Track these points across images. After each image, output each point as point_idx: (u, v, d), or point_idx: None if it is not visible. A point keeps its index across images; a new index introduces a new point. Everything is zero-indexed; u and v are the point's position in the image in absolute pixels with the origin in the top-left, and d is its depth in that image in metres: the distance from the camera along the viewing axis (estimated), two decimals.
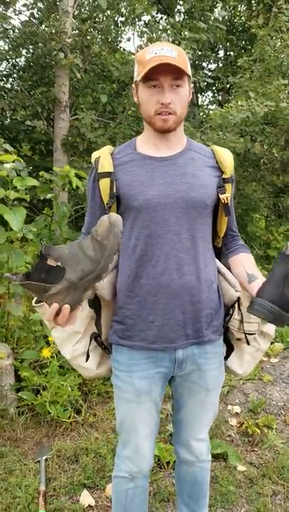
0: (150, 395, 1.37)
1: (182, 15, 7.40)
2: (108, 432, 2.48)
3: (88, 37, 4.92)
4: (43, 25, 5.21)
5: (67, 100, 4.86)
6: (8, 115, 5.69)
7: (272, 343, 3.64)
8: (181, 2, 7.26)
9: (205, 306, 1.34)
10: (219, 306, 1.41)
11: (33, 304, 1.20)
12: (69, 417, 2.52)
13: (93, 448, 2.32)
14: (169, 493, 2.04)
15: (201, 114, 7.00)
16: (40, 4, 5.46)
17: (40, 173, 3.20)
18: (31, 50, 5.53)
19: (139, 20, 6.48)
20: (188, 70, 1.27)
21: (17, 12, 5.19)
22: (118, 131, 4.93)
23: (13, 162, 2.58)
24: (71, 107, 5.08)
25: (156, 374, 1.36)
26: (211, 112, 5.91)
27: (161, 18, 7.37)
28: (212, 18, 5.13)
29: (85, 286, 1.15)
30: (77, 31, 4.89)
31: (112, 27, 6.07)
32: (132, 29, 6.40)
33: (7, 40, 5.62)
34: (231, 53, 7.92)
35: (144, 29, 6.81)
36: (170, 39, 4.94)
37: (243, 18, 7.65)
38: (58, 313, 1.15)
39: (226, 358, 1.52)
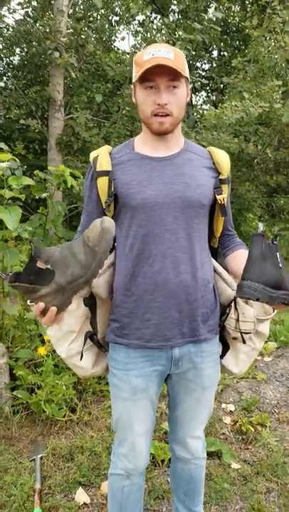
0: (146, 393, 1.38)
1: (176, 15, 7.42)
2: (103, 431, 2.49)
3: (83, 36, 4.92)
4: (38, 24, 5.20)
5: (62, 99, 4.86)
6: (2, 114, 5.67)
7: (265, 342, 3.67)
8: (175, 2, 7.28)
9: (201, 305, 1.35)
10: (215, 306, 1.42)
11: (28, 302, 1.21)
12: (64, 416, 2.53)
13: (88, 446, 2.32)
14: (164, 491, 2.05)
15: (195, 114, 7.02)
16: (34, 3, 5.46)
17: (35, 172, 3.19)
18: (26, 49, 5.52)
19: (134, 19, 6.50)
20: (186, 72, 1.28)
21: (11, 10, 5.18)
22: (113, 131, 4.93)
23: (7, 161, 2.57)
24: (66, 106, 5.07)
25: (152, 372, 1.37)
26: (205, 112, 5.94)
27: (156, 17, 7.39)
28: (206, 18, 5.16)
29: (74, 289, 1.16)
30: (71, 30, 4.89)
31: (107, 26, 6.08)
32: (127, 28, 6.42)
33: (1, 39, 5.61)
34: (225, 54, 7.96)
35: (139, 29, 6.83)
36: (164, 39, 4.96)
37: (237, 18, 7.69)
38: (44, 312, 1.16)
39: (222, 356, 1.53)
